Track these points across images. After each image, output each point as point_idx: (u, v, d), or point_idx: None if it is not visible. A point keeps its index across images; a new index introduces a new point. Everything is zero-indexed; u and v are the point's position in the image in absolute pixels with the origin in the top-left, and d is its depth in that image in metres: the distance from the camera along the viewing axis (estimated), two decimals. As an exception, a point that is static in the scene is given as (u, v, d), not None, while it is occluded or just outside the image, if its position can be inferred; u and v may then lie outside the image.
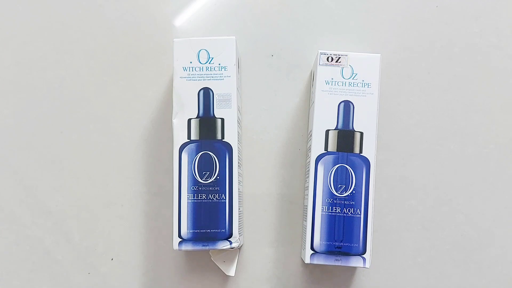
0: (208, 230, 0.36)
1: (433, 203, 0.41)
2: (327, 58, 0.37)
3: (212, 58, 0.38)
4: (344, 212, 0.36)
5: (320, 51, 0.37)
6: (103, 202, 0.42)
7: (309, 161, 0.37)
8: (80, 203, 0.42)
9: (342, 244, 0.36)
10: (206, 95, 0.37)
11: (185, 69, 0.37)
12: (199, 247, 0.36)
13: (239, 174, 0.38)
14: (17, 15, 0.43)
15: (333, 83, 0.37)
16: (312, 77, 0.40)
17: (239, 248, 0.40)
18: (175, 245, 0.36)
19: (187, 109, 0.37)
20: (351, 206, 0.36)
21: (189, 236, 0.36)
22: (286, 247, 0.41)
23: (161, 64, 0.42)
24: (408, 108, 0.41)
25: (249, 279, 0.41)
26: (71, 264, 0.41)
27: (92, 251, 0.41)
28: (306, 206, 0.37)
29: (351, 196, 0.36)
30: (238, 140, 0.38)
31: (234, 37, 0.38)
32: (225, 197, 0.36)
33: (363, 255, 0.36)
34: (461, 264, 0.40)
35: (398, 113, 0.41)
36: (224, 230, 0.36)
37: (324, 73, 0.37)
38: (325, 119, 0.37)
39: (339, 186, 0.36)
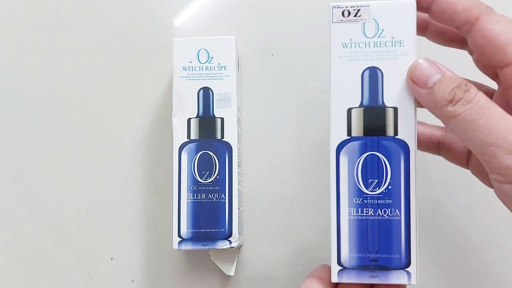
0: (207, 230, 0.36)
1: (433, 203, 0.41)
2: (343, 12, 0.28)
3: (212, 57, 0.38)
4: (379, 214, 0.27)
5: (331, 4, 0.28)
6: (103, 202, 0.42)
7: (329, 153, 0.28)
8: (80, 203, 0.42)
9: (378, 256, 0.27)
10: (206, 94, 0.37)
11: (184, 68, 0.37)
12: (198, 247, 0.36)
13: (239, 174, 0.38)
14: (16, 15, 0.43)
15: (353, 45, 0.28)
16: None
17: (239, 247, 0.40)
18: (175, 245, 0.36)
19: (186, 108, 0.37)
20: (388, 206, 0.27)
21: (189, 235, 0.36)
22: (286, 247, 0.41)
23: (161, 63, 0.42)
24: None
25: (249, 279, 0.41)
26: (70, 264, 0.41)
27: (92, 251, 0.41)
28: (329, 207, 0.28)
29: (387, 193, 0.27)
30: (238, 140, 0.38)
31: (234, 36, 0.38)
32: (225, 197, 0.36)
33: (407, 269, 0.27)
34: (461, 264, 0.40)
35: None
36: (223, 230, 0.36)
37: (340, 33, 0.28)
38: (346, 94, 0.28)
39: (370, 181, 0.28)
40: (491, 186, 0.29)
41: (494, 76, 0.29)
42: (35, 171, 0.42)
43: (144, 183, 0.42)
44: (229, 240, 0.36)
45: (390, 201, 0.27)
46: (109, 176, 0.42)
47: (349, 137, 0.28)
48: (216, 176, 0.37)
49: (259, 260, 0.41)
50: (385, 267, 0.27)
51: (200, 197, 0.36)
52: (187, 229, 0.36)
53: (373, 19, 0.27)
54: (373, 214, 0.27)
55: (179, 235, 0.36)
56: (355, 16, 0.27)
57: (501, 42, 0.25)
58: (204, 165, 0.37)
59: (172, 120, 0.37)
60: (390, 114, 0.27)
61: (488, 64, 0.27)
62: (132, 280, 0.41)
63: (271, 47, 0.42)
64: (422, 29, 0.30)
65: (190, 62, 0.38)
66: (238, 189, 0.37)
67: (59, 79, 0.43)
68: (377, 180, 0.27)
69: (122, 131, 0.42)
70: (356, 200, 0.28)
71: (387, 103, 0.27)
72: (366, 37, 0.27)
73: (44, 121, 0.42)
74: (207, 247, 0.36)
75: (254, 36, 0.42)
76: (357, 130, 0.28)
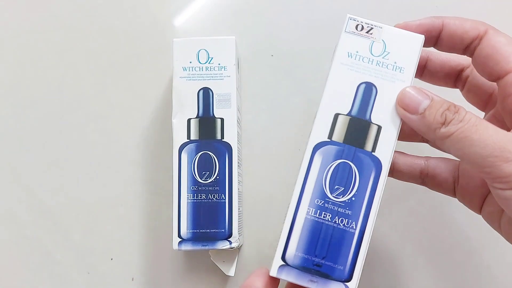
0: (207, 230, 0.36)
1: (433, 203, 0.41)
2: (356, 26, 0.29)
3: (212, 58, 0.38)
4: (335, 221, 0.27)
5: (349, 15, 0.29)
6: (103, 202, 0.42)
7: (305, 149, 0.28)
8: (80, 203, 0.42)
9: (323, 262, 0.27)
10: (206, 95, 0.37)
11: (184, 69, 0.37)
12: (198, 247, 0.36)
13: (239, 174, 0.38)
14: (17, 15, 0.44)
15: (357, 57, 0.29)
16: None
17: (239, 248, 0.40)
18: (175, 245, 0.36)
19: (186, 109, 0.37)
20: (346, 216, 0.27)
21: (189, 236, 0.36)
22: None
23: (161, 64, 0.42)
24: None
25: (249, 279, 0.41)
26: (70, 264, 0.41)
27: (92, 251, 0.41)
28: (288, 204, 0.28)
29: (349, 204, 0.27)
30: (238, 140, 0.38)
31: (234, 37, 0.38)
32: (225, 197, 0.36)
33: (346, 283, 0.27)
34: (461, 264, 0.40)
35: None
36: (223, 230, 0.36)
37: (349, 43, 0.29)
38: (338, 99, 0.28)
39: (336, 187, 0.28)
40: (479, 212, 0.31)
41: (486, 100, 0.32)
42: (36, 171, 0.42)
43: (144, 183, 0.42)
44: (229, 241, 0.36)
45: (350, 212, 0.27)
46: (109, 176, 0.42)
47: (329, 140, 0.28)
48: (216, 176, 0.37)
49: (259, 260, 0.41)
50: (326, 275, 0.27)
51: (200, 197, 0.36)
52: (187, 229, 0.36)
53: (383, 40, 0.29)
54: (330, 220, 0.27)
55: (179, 236, 0.36)
56: (367, 32, 0.29)
57: (506, 52, 0.27)
58: (204, 166, 0.37)
59: (172, 121, 0.37)
60: (373, 130, 0.28)
61: (490, 75, 0.28)
62: (132, 278, 0.41)
63: (271, 47, 0.42)
64: (420, 71, 0.33)
65: (190, 62, 0.38)
66: (238, 189, 0.37)
67: (59, 79, 0.43)
68: (343, 188, 0.28)
69: (122, 131, 0.42)
70: (317, 202, 0.27)
71: (373, 120, 0.28)
72: (372, 54, 0.29)
73: (45, 121, 0.42)
74: (207, 247, 0.36)
75: (254, 36, 0.42)
76: (338, 136, 0.28)
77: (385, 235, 0.41)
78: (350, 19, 0.29)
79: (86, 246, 0.41)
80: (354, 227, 0.27)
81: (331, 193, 0.28)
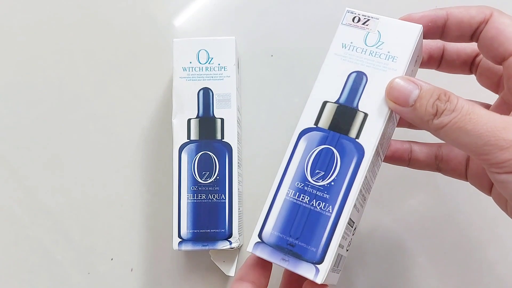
0: (207, 230, 0.36)
1: (434, 202, 0.41)
2: (353, 18, 0.29)
3: (212, 58, 0.38)
4: (313, 204, 0.27)
5: (347, 8, 0.30)
6: (103, 202, 0.42)
7: (293, 134, 0.29)
8: (80, 203, 0.42)
9: (297, 242, 0.27)
10: (206, 95, 0.37)
11: (184, 69, 0.37)
12: (198, 247, 0.36)
13: (239, 174, 0.38)
14: (16, 15, 0.44)
15: (351, 47, 0.29)
16: None
17: (239, 248, 0.40)
18: (175, 245, 0.36)
19: (186, 109, 0.37)
20: (324, 199, 0.27)
21: (189, 236, 0.36)
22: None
23: (161, 64, 0.42)
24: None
25: (249, 279, 0.41)
26: (70, 264, 0.41)
27: (92, 251, 0.41)
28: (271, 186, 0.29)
29: (328, 188, 0.27)
30: (238, 140, 0.38)
31: (234, 37, 0.38)
32: (225, 197, 0.36)
33: (317, 265, 0.26)
34: (461, 264, 0.40)
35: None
36: (224, 230, 0.36)
37: (344, 34, 0.29)
38: (328, 88, 0.29)
39: (317, 171, 0.28)
40: (489, 193, 0.31)
41: (497, 82, 0.31)
42: (36, 171, 0.42)
43: (144, 183, 0.42)
44: (229, 241, 0.36)
45: (327, 196, 0.27)
46: (109, 176, 0.42)
47: (314, 126, 0.28)
48: (216, 176, 0.37)
49: (259, 260, 0.41)
50: (298, 255, 0.27)
51: (200, 197, 0.36)
52: (187, 229, 0.36)
53: (378, 31, 0.29)
54: (307, 203, 0.27)
55: (179, 236, 0.36)
56: (363, 24, 0.29)
57: (510, 33, 0.27)
58: (204, 166, 0.37)
59: (172, 121, 0.37)
60: (359, 117, 0.28)
61: (495, 57, 0.28)
62: (131, 268, 0.41)
63: (271, 47, 0.42)
64: (437, 62, 0.33)
65: (190, 62, 0.38)
66: (238, 189, 0.37)
67: (60, 79, 0.43)
68: (323, 173, 0.28)
69: (122, 131, 0.42)
70: (297, 184, 0.28)
71: (360, 108, 0.28)
72: (366, 44, 0.29)
73: (45, 121, 0.42)
74: (207, 247, 0.36)
75: (254, 36, 0.42)
76: (324, 123, 0.28)
77: (386, 234, 0.41)
78: (348, 12, 0.30)
79: (86, 246, 0.41)
80: (331, 211, 0.27)
81: (311, 177, 0.28)
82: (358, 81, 0.28)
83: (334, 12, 0.42)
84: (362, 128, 0.28)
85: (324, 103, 0.28)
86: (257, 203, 0.41)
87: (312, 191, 0.28)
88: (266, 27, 0.43)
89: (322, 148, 0.28)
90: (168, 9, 0.43)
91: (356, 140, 0.28)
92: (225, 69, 0.37)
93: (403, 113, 0.27)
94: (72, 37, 0.43)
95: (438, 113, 0.25)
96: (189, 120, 0.37)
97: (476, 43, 0.30)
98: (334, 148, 0.28)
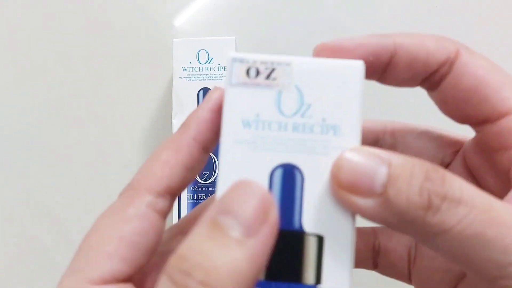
0: (207, 230, 0.36)
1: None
2: (248, 70, 0.18)
3: (212, 58, 0.38)
4: None
5: (231, 54, 0.18)
6: (103, 202, 0.41)
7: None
8: (80, 203, 0.42)
9: None
10: (206, 95, 0.37)
11: (184, 69, 0.37)
12: (198, 247, 0.36)
13: (239, 174, 0.38)
14: (16, 15, 0.43)
15: (260, 125, 0.17)
16: None
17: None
18: (175, 245, 0.36)
19: (186, 109, 0.37)
20: None
21: (189, 236, 0.36)
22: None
23: (161, 64, 0.42)
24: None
25: (249, 279, 0.41)
26: (71, 264, 0.41)
27: (92, 251, 0.41)
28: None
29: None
30: (238, 140, 0.38)
31: (234, 37, 0.38)
32: (225, 197, 0.36)
33: None
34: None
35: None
36: (223, 230, 0.36)
37: (240, 103, 0.18)
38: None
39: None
40: None
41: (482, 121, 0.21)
42: (36, 171, 0.42)
43: (144, 183, 0.42)
44: (229, 241, 0.36)
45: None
46: (109, 176, 0.42)
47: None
48: (216, 176, 0.37)
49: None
50: None
51: (200, 197, 0.36)
52: (187, 229, 0.36)
53: (295, 86, 0.17)
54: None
55: (179, 236, 0.36)
56: (267, 78, 0.18)
57: (495, 84, 0.18)
58: (204, 166, 0.37)
59: (172, 121, 0.37)
60: (310, 245, 0.17)
61: (470, 117, 0.20)
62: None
63: (271, 47, 0.42)
64: (379, 73, 0.20)
65: (190, 62, 0.38)
66: (238, 189, 0.37)
67: (59, 79, 0.43)
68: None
69: (122, 131, 0.42)
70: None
71: (306, 227, 0.17)
72: (283, 114, 0.17)
73: (45, 121, 0.42)
74: (207, 247, 0.36)
75: (254, 36, 0.42)
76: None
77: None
78: (235, 60, 0.18)
79: (86, 246, 0.41)
80: None
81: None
82: (289, 181, 0.17)
83: (334, 12, 0.42)
84: (321, 263, 0.17)
85: None
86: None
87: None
88: (266, 27, 0.42)
89: None
90: (168, 9, 0.43)
91: (317, 286, 0.17)
92: (225, 69, 0.37)
93: (365, 210, 0.16)
94: (72, 37, 0.43)
95: (434, 205, 0.15)
96: (189, 120, 0.37)
97: (428, 92, 0.20)
98: None
